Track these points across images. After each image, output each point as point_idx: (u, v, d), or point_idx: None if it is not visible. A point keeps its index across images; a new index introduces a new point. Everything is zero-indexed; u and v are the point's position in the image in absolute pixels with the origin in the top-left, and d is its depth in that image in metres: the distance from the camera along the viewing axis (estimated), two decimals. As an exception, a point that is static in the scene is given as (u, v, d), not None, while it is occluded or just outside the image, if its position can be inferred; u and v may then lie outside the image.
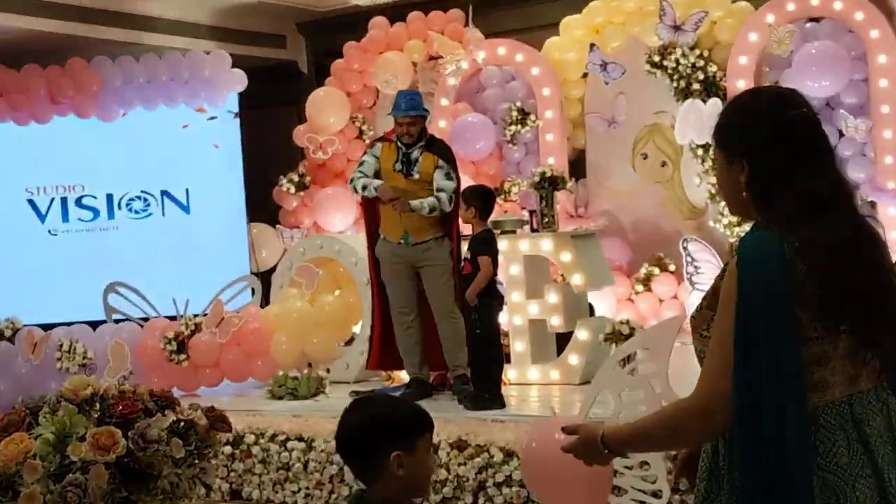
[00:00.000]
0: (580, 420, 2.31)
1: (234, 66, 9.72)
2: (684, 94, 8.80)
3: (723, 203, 8.41)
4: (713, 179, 8.65)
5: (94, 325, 7.87)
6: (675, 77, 8.85)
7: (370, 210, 6.74)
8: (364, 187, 6.42)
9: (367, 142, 10.20)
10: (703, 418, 2.04)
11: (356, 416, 2.41)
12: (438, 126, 9.26)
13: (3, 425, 2.86)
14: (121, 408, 2.84)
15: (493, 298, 6.15)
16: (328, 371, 7.20)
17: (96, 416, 2.87)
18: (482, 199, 6.22)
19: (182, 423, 2.90)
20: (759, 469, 1.94)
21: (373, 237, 6.75)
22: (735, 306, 1.97)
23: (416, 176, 6.42)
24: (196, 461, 2.92)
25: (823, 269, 1.95)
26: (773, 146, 2.03)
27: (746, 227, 8.72)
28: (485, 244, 6.13)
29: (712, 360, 2.05)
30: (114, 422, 2.81)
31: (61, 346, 7.37)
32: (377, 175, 6.50)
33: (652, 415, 2.20)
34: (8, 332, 7.71)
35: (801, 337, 1.97)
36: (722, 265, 8.45)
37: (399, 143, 6.48)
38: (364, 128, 10.22)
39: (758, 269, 1.96)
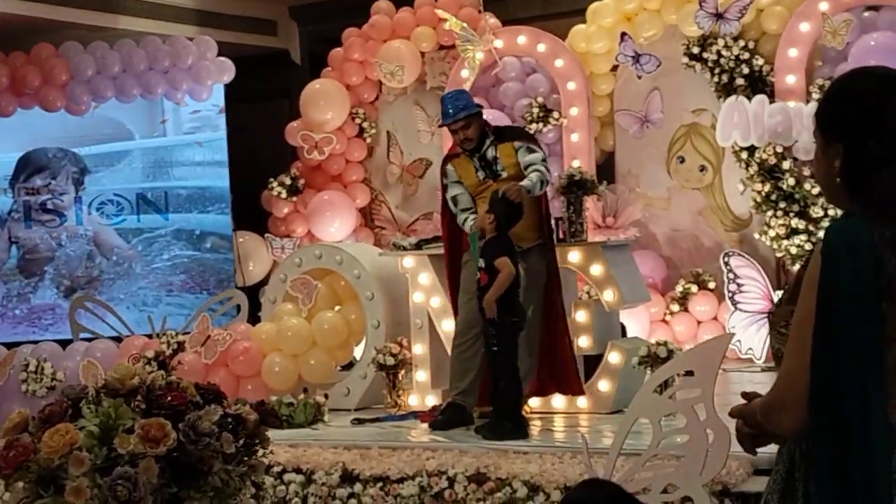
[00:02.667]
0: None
1: (219, 54, 9.89)
2: (727, 90, 8.93)
3: (769, 213, 8.62)
4: (758, 186, 8.79)
5: (63, 343, 8.01)
6: (717, 71, 8.99)
7: (455, 227, 6.82)
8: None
9: (367, 140, 10.40)
10: (782, 412, 2.19)
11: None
12: (450, 124, 9.38)
13: (45, 416, 2.99)
14: (170, 398, 2.98)
15: (512, 314, 6.25)
16: (326, 397, 7.31)
17: (142, 407, 3.00)
18: (507, 212, 6.29)
19: (230, 419, 3.03)
20: (839, 473, 2.06)
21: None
22: (818, 295, 2.10)
23: (505, 174, 6.54)
24: (245, 458, 3.06)
25: None
26: (873, 131, 2.15)
27: (796, 239, 8.75)
28: (499, 246, 6.22)
29: (790, 348, 2.19)
30: (162, 414, 2.95)
31: (27, 365, 7.49)
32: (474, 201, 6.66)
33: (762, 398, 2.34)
34: (-33, 351, 7.84)
35: (889, 338, 2.08)
36: (766, 282, 8.51)
37: (467, 152, 6.62)
38: (365, 125, 10.36)
39: (844, 257, 2.08)
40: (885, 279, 2.08)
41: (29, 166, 9.93)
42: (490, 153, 6.58)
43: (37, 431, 2.93)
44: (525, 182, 6.32)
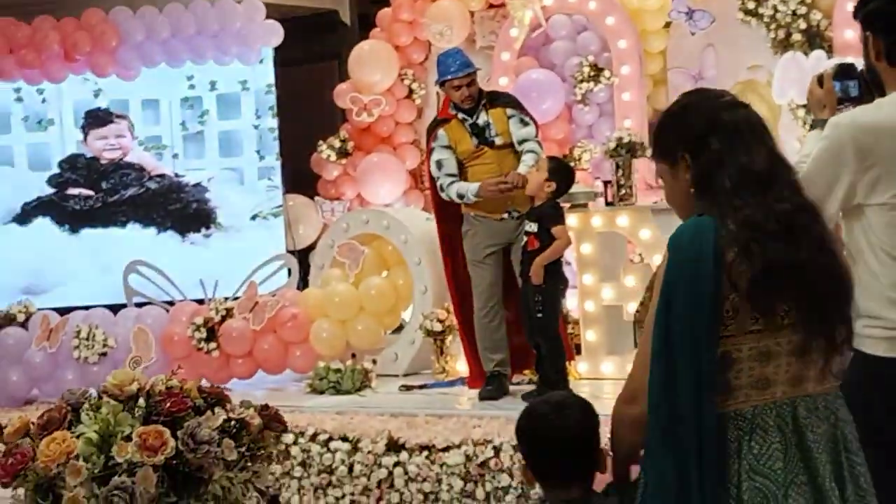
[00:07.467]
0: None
1: (267, 16, 9.84)
2: (783, 45, 8.75)
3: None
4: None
5: (114, 308, 8.07)
6: (773, 26, 8.81)
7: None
8: (461, 195, 6.47)
9: (417, 102, 10.33)
10: (629, 404, 2.33)
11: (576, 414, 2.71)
12: (499, 83, 9.29)
13: (43, 423, 2.99)
14: (169, 405, 2.96)
15: (559, 281, 6.20)
16: (374, 362, 7.31)
17: (142, 413, 2.99)
18: (568, 179, 6.29)
19: (233, 423, 3.01)
20: (672, 461, 2.17)
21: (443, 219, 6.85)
22: (661, 289, 2.21)
23: (499, 140, 6.52)
24: (249, 464, 3.04)
25: (750, 249, 2.17)
26: (707, 134, 2.32)
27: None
28: (557, 213, 6.20)
29: (641, 345, 2.32)
30: (161, 420, 2.93)
31: (79, 332, 7.56)
32: (460, 166, 6.59)
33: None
34: (21, 317, 7.93)
35: (741, 329, 2.17)
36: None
37: (461, 115, 6.55)
38: (414, 86, 10.29)
39: (685, 257, 2.21)
40: (727, 272, 2.17)
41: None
42: (482, 118, 6.56)
43: (36, 437, 2.92)
44: (522, 168, 6.35)
